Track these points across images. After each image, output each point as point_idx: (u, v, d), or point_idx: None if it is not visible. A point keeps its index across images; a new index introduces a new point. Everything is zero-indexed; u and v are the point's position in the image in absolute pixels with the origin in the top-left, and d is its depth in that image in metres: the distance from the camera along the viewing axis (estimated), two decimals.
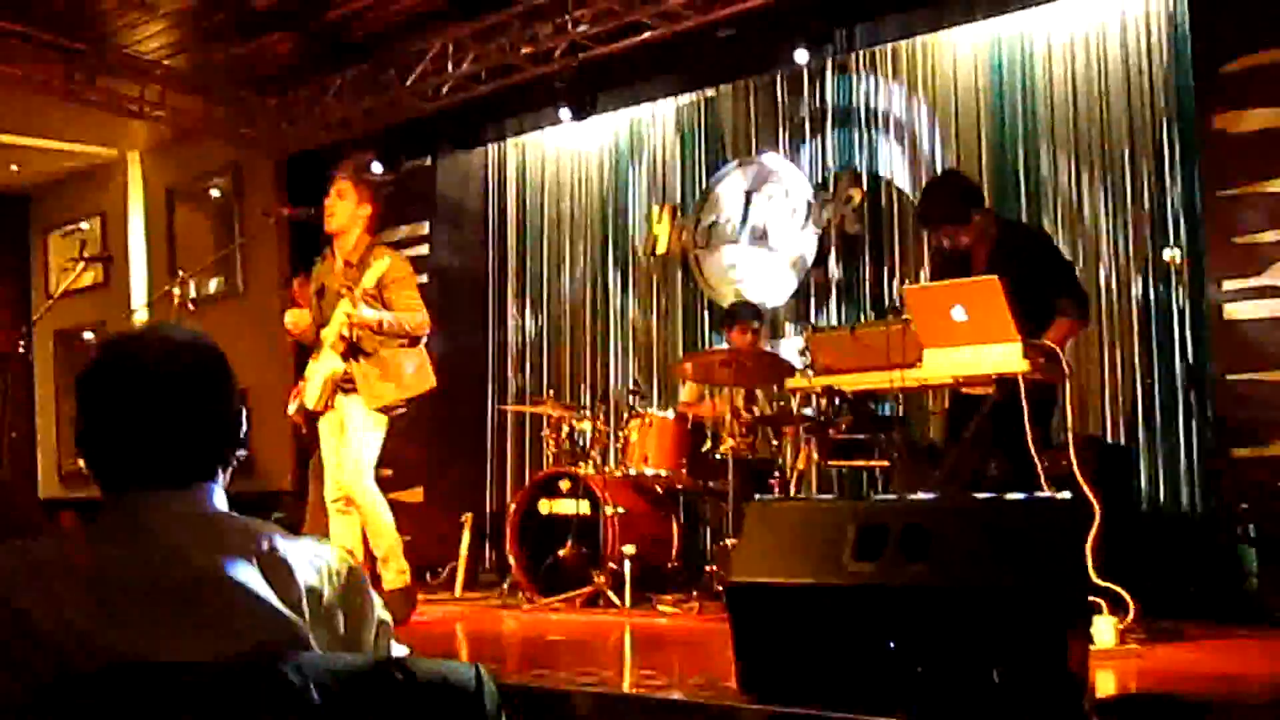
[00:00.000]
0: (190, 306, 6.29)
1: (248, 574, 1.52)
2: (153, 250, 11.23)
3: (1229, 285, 6.04)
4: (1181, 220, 6.59)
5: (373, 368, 5.54)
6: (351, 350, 5.52)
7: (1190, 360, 6.47)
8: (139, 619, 1.46)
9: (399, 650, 1.77)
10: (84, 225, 11.76)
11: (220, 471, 1.69)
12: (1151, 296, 6.67)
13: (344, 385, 5.55)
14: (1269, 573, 5.49)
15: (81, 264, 6.72)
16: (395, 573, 5.60)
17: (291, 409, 5.79)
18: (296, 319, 5.77)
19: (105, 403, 1.64)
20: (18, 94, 8.82)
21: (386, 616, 1.75)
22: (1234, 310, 6.03)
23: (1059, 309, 5.04)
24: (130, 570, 1.50)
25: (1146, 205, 6.73)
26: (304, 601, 1.55)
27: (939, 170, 7.40)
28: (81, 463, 1.65)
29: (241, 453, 1.71)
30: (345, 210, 5.66)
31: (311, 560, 1.60)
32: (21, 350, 8.97)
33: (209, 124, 9.73)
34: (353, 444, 5.53)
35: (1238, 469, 5.95)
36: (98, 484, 1.63)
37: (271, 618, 1.51)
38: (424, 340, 5.72)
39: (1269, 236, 5.92)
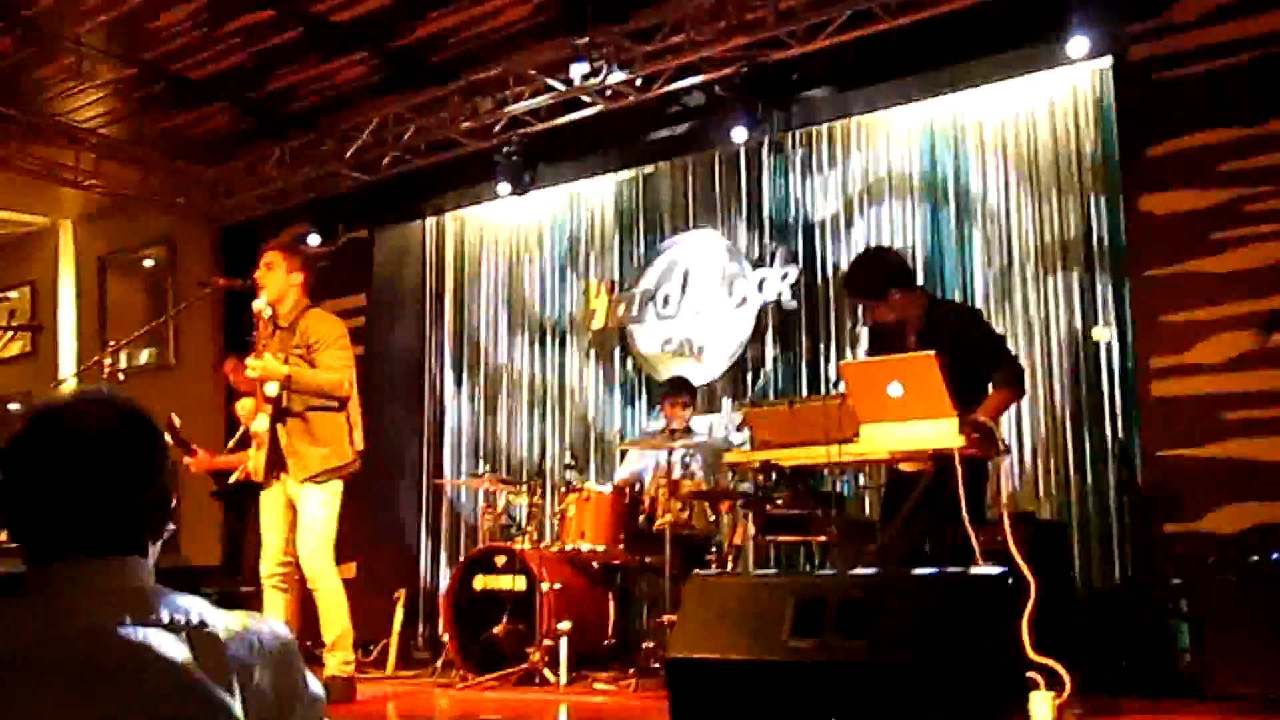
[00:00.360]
0: (120, 377, 6.19)
1: (175, 648, 1.48)
2: (83, 320, 11.07)
3: (1157, 363, 6.15)
4: (1111, 299, 6.71)
5: (302, 430, 5.48)
6: (279, 412, 5.46)
7: (1120, 437, 6.56)
8: (53, 701, 1.41)
9: None
10: (12, 294, 11.58)
11: (150, 543, 1.65)
12: (1082, 374, 6.77)
13: (281, 457, 5.48)
14: (1200, 647, 5.52)
15: (9, 333, 6.59)
16: (340, 662, 5.52)
17: (234, 476, 5.71)
18: (245, 409, 5.70)
19: (31, 468, 1.59)
20: None
21: (320, 694, 1.71)
22: (1162, 387, 6.13)
23: (994, 383, 5.07)
24: (45, 648, 1.44)
25: (1077, 285, 6.85)
26: (234, 678, 1.51)
27: (859, 252, 7.47)
28: (3, 535, 1.60)
29: (170, 526, 1.67)
30: (276, 281, 5.64)
31: (243, 635, 1.56)
32: None
33: (144, 193, 9.65)
34: (307, 529, 5.46)
35: (1168, 544, 6.01)
36: (22, 556, 1.59)
37: (201, 695, 1.47)
38: (353, 403, 5.65)
39: (1195, 315, 6.04)
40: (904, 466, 5.03)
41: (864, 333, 7.14)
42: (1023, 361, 6.81)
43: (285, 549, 5.53)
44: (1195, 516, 5.93)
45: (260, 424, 5.49)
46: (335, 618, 5.52)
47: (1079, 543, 6.62)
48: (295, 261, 5.71)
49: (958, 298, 7.10)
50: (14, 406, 10.73)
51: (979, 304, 7.05)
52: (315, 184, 9.08)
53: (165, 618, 1.52)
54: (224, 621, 1.56)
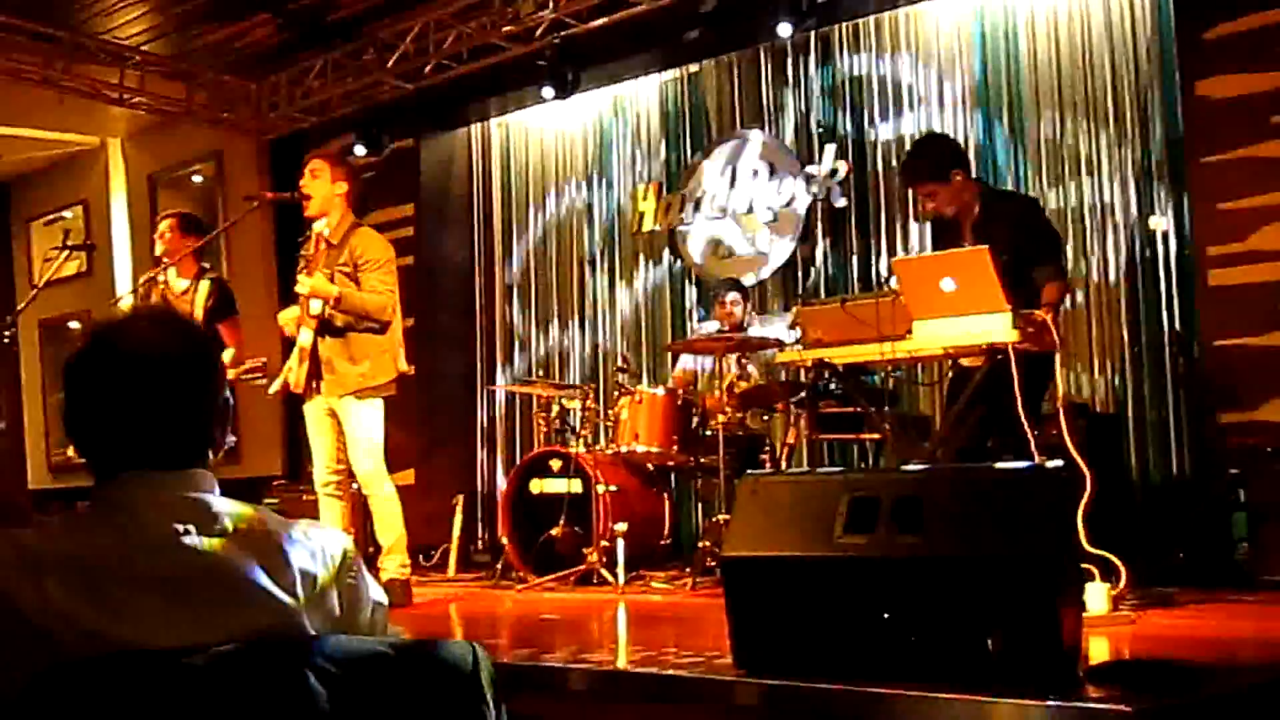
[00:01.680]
0: (175, 293, 6.26)
1: (242, 558, 1.52)
2: (136, 238, 11.18)
3: (1214, 251, 6.05)
4: (1168, 187, 6.60)
5: (341, 348, 5.53)
6: (323, 327, 5.51)
7: (1177, 327, 6.49)
8: (130, 605, 1.46)
9: (395, 632, 1.76)
10: (66, 214, 11.67)
11: (211, 455, 1.68)
12: (1138, 264, 6.68)
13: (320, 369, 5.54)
14: (1259, 537, 5.51)
15: (65, 253, 6.67)
16: (397, 565, 5.61)
17: (273, 388, 5.78)
18: (287, 320, 5.74)
19: (92, 386, 1.63)
20: None
21: (382, 598, 1.75)
22: (1220, 276, 6.04)
23: (1040, 276, 4.98)
24: (122, 556, 1.49)
25: (1133, 173, 6.73)
26: (298, 585, 1.55)
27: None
28: (71, 450, 1.64)
29: (231, 438, 1.71)
30: (321, 190, 5.64)
31: (306, 544, 1.60)
32: (6, 341, 8.93)
33: (190, 110, 9.67)
34: (356, 443, 5.53)
35: (1226, 434, 5.97)
36: (89, 470, 1.63)
37: (266, 602, 1.51)
38: (394, 326, 5.67)
39: (1253, 202, 5.93)
40: (965, 361, 5.01)
41: (915, 230, 7.10)
42: (1079, 251, 6.78)
43: (335, 458, 5.61)
44: (1253, 406, 5.88)
45: (304, 338, 5.54)
46: (390, 523, 5.61)
47: (1135, 434, 6.59)
48: (340, 171, 5.71)
49: (1011, 187, 7.00)
50: (74, 325, 10.91)
51: (1033, 193, 6.95)
52: (359, 94, 9.05)
53: (229, 527, 1.56)
54: (286, 530, 1.60)
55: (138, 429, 1.61)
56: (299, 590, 1.54)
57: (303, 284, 5.54)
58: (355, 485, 5.68)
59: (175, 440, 1.62)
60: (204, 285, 6.19)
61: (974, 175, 5.43)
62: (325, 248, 5.62)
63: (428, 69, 8.63)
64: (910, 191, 5.30)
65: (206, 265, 6.48)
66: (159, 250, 6.38)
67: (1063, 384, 4.89)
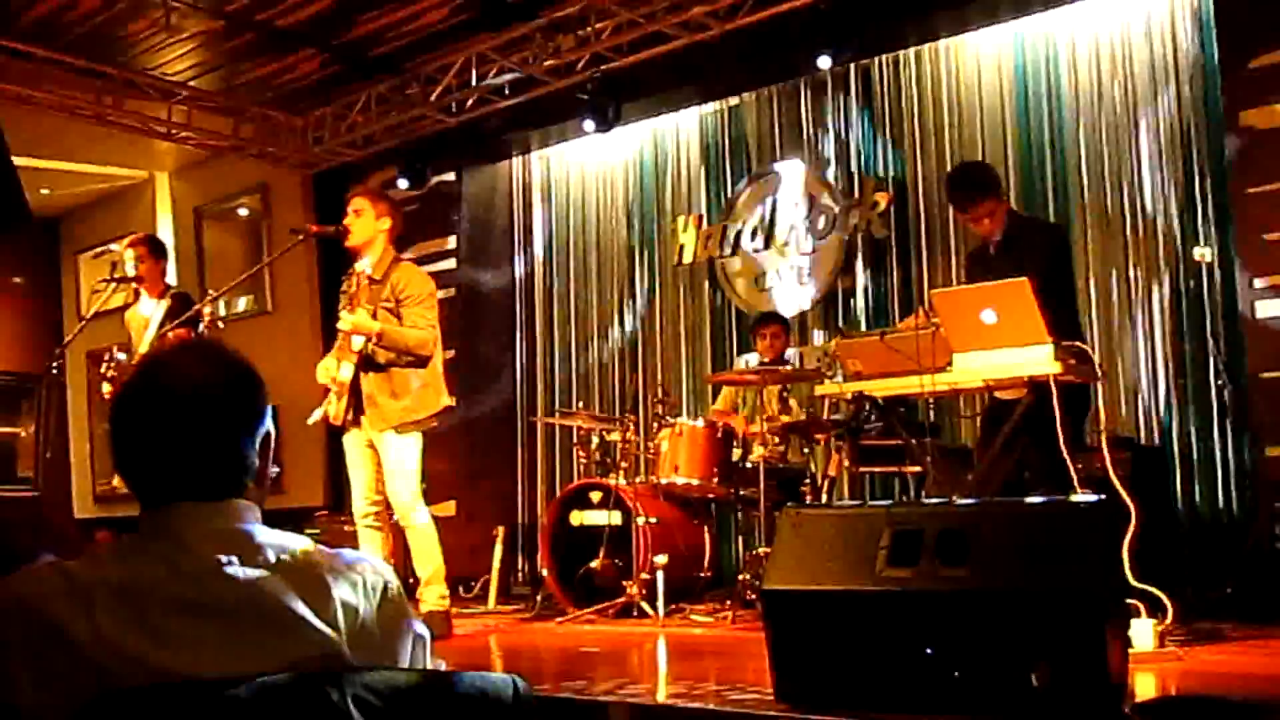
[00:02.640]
0: (220, 325, 6.34)
1: (283, 589, 1.53)
2: (182, 270, 11.29)
3: (1260, 283, 6.00)
4: (1212, 218, 6.55)
5: (383, 383, 5.56)
6: (365, 362, 5.56)
7: (1223, 359, 6.42)
8: (175, 634, 1.47)
9: (436, 665, 1.77)
10: (114, 247, 11.82)
11: (255, 487, 1.70)
12: (1183, 296, 6.63)
13: (361, 402, 5.58)
14: None
15: (112, 285, 6.78)
16: (437, 597, 5.62)
17: (313, 418, 5.81)
18: (325, 372, 5.74)
19: (138, 417, 1.66)
20: (48, 118, 8.90)
21: (424, 631, 1.75)
22: (1266, 308, 5.98)
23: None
24: (168, 585, 1.51)
25: (1176, 204, 6.69)
26: (340, 616, 1.56)
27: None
28: (117, 480, 1.66)
29: (274, 469, 1.73)
30: (364, 227, 5.69)
31: (347, 575, 1.61)
32: (54, 372, 9.04)
33: (236, 143, 9.80)
34: (394, 475, 5.56)
35: (1272, 467, 5.89)
36: (136, 500, 1.65)
37: (307, 633, 1.52)
38: (435, 360, 5.70)
39: None
40: (1002, 394, 4.98)
41: (954, 263, 7.07)
42: (1122, 283, 6.73)
43: (374, 488, 5.64)
44: None
45: (345, 373, 5.58)
46: (428, 554, 5.63)
47: (1181, 467, 6.52)
48: (382, 206, 5.76)
49: (1053, 220, 6.97)
50: (121, 356, 11.00)
51: (1075, 226, 6.93)
52: (402, 128, 9.14)
53: (271, 558, 1.57)
54: (329, 561, 1.61)
55: (181, 460, 1.63)
56: (340, 622, 1.55)
57: (345, 320, 5.58)
58: (394, 517, 5.70)
59: (219, 471, 1.64)
60: (165, 302, 6.43)
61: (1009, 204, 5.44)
62: (368, 283, 5.67)
63: (470, 103, 8.71)
64: (964, 214, 5.28)
65: (171, 284, 6.78)
66: (131, 275, 6.64)
67: (1106, 416, 4.84)
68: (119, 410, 1.66)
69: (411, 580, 5.79)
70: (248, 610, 1.51)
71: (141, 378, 1.68)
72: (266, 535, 1.63)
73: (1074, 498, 4.14)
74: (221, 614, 1.50)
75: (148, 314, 6.49)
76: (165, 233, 11.41)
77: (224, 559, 1.55)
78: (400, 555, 6.14)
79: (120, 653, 1.44)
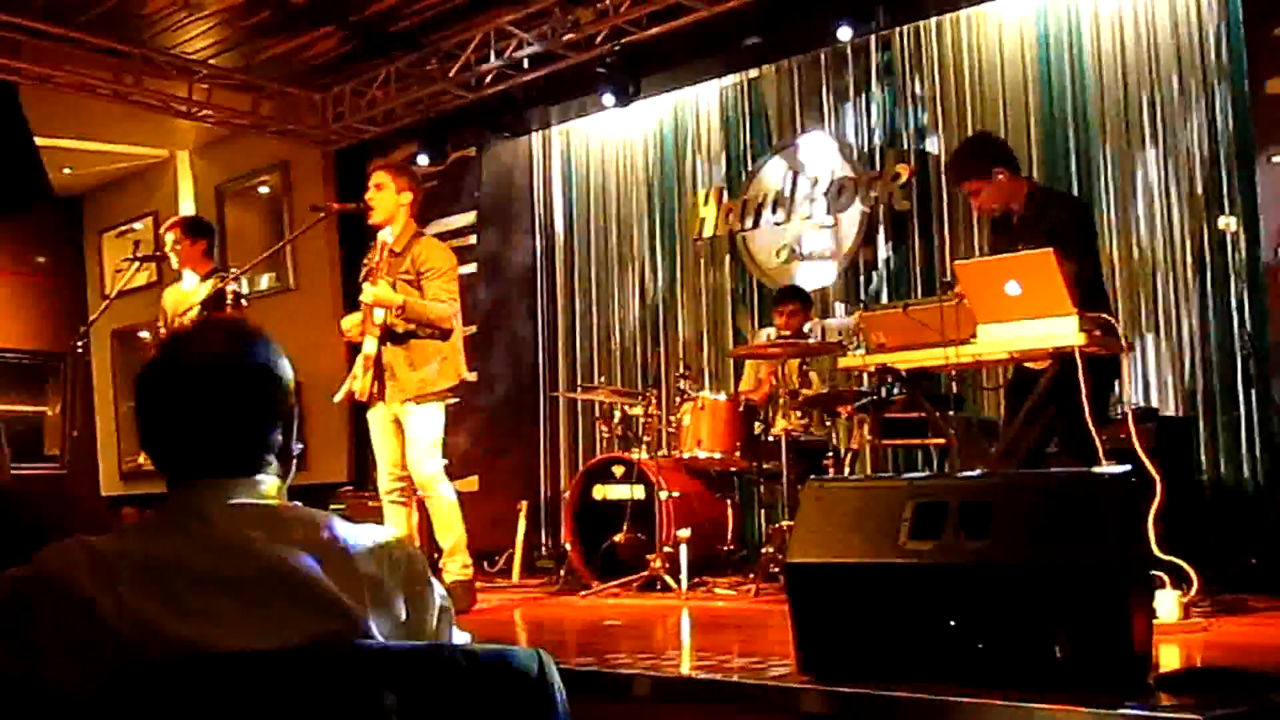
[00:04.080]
0: (243, 303, 6.36)
1: (308, 563, 1.54)
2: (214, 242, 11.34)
3: None
4: (1236, 187, 6.49)
5: (402, 355, 5.59)
6: (386, 334, 5.58)
7: (1248, 329, 6.37)
8: (201, 608, 1.48)
9: (460, 637, 1.78)
10: (136, 225, 11.90)
11: (279, 462, 1.71)
12: (1207, 265, 6.58)
13: (384, 375, 5.61)
14: None
15: (135, 264, 6.82)
16: (459, 567, 5.66)
17: (338, 396, 5.84)
18: (350, 325, 5.81)
19: (161, 394, 1.68)
20: (68, 98, 8.94)
21: (448, 603, 1.76)
22: None
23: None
24: (192, 560, 1.52)
25: (1199, 173, 6.63)
26: (365, 590, 1.57)
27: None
28: (143, 458, 1.68)
29: (299, 446, 1.74)
30: (385, 201, 5.71)
31: (372, 548, 1.62)
32: (79, 350, 9.10)
33: (256, 121, 9.82)
34: (414, 445, 5.58)
35: None
36: (162, 476, 1.66)
37: (333, 607, 1.53)
38: (455, 333, 5.73)
39: None
40: (1028, 365, 4.96)
41: (977, 233, 7.03)
42: (1147, 253, 6.69)
43: (399, 463, 5.67)
44: None
45: (369, 346, 5.61)
46: (450, 525, 5.65)
47: (1206, 438, 6.48)
48: (403, 181, 5.78)
49: (1076, 191, 6.93)
50: (144, 335, 11.07)
51: (1099, 197, 6.88)
52: (422, 104, 9.14)
53: (297, 534, 1.58)
54: (353, 536, 1.62)
55: (205, 436, 1.64)
56: (365, 595, 1.56)
57: (367, 293, 5.61)
58: (417, 489, 5.73)
59: (242, 447, 1.66)
60: (210, 282, 6.38)
61: (1021, 171, 5.39)
62: (389, 255, 5.69)
63: (489, 77, 8.69)
64: (959, 188, 5.29)
65: (216, 265, 6.73)
66: (174, 263, 6.62)
67: (1130, 387, 4.81)
68: (143, 386, 1.68)
69: (436, 554, 5.82)
70: (272, 584, 1.52)
71: (164, 354, 1.69)
72: (291, 510, 1.65)
73: (1098, 469, 4.12)
74: (246, 588, 1.51)
75: (189, 290, 6.51)
76: (187, 210, 11.45)
77: (250, 533, 1.56)
78: (425, 528, 6.17)
79: (145, 626, 1.46)
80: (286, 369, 1.73)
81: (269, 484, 1.67)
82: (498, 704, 1.50)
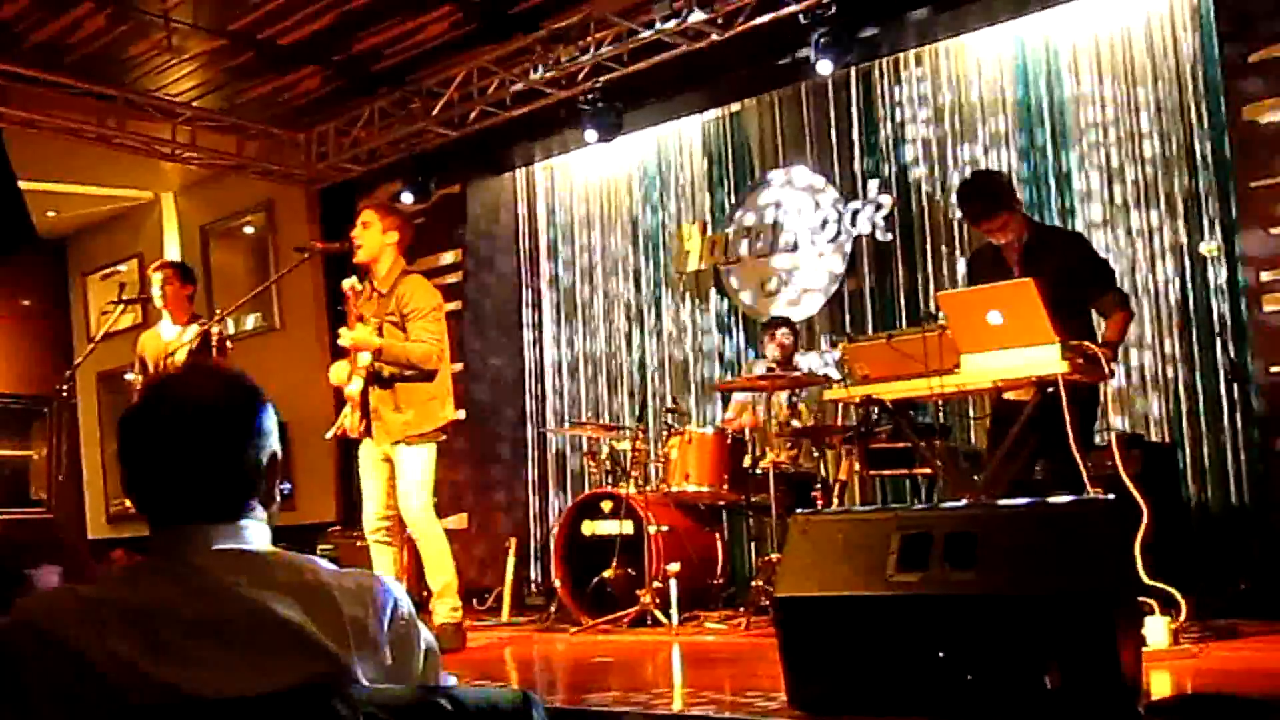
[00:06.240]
0: (228, 344, 6.35)
1: (292, 608, 1.54)
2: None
3: (1266, 276, 5.98)
4: (1216, 213, 6.54)
5: (388, 398, 5.56)
6: (373, 377, 5.55)
7: (1231, 354, 6.41)
8: (187, 653, 1.49)
9: (447, 680, 1.77)
10: (121, 268, 11.88)
11: (263, 507, 1.71)
12: (1189, 291, 6.62)
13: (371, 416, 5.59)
14: None
15: (120, 306, 6.80)
16: (448, 610, 5.61)
17: (330, 432, 5.82)
18: (337, 375, 5.75)
19: (143, 438, 1.68)
20: (53, 141, 8.94)
21: (435, 645, 1.76)
22: (1273, 301, 5.96)
23: (1105, 307, 5.06)
24: (177, 605, 1.53)
25: (1180, 200, 6.68)
26: (349, 633, 1.56)
27: (968, 174, 7.39)
28: (129, 501, 1.68)
29: (286, 486, 1.74)
30: (371, 240, 5.70)
31: (356, 592, 1.62)
32: (65, 393, 9.06)
33: (241, 161, 9.83)
34: (404, 484, 5.55)
35: None
36: (146, 521, 1.66)
37: (317, 650, 1.52)
38: (443, 374, 5.69)
39: None
40: (1010, 395, 4.98)
41: (961, 263, 7.06)
42: (1129, 280, 6.73)
43: (386, 503, 5.63)
44: None
45: (354, 387, 5.58)
46: (440, 566, 5.61)
47: (1192, 464, 6.50)
48: (391, 220, 5.77)
49: (1058, 220, 6.98)
50: (129, 377, 11.05)
51: (1080, 225, 6.93)
52: (406, 142, 9.16)
53: (280, 578, 1.58)
54: (337, 580, 1.62)
55: (187, 481, 1.64)
56: (350, 639, 1.56)
57: (345, 337, 5.57)
58: (407, 531, 5.70)
59: (225, 492, 1.66)
60: (193, 328, 6.35)
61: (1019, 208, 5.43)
62: (374, 294, 5.68)
63: (472, 115, 8.72)
64: (978, 226, 5.28)
65: (197, 312, 6.71)
66: (158, 303, 6.63)
67: (1115, 414, 4.83)
68: (126, 431, 1.68)
69: (425, 594, 5.79)
70: (258, 630, 1.52)
71: (146, 399, 1.70)
72: (275, 555, 1.65)
73: (1083, 497, 4.14)
74: (232, 634, 1.51)
75: (169, 338, 6.48)
76: (173, 252, 11.46)
77: (234, 579, 1.56)
78: (413, 569, 6.14)
79: (132, 673, 1.46)
80: (270, 415, 1.73)
81: (253, 529, 1.67)
82: None
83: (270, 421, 1.72)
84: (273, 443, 1.72)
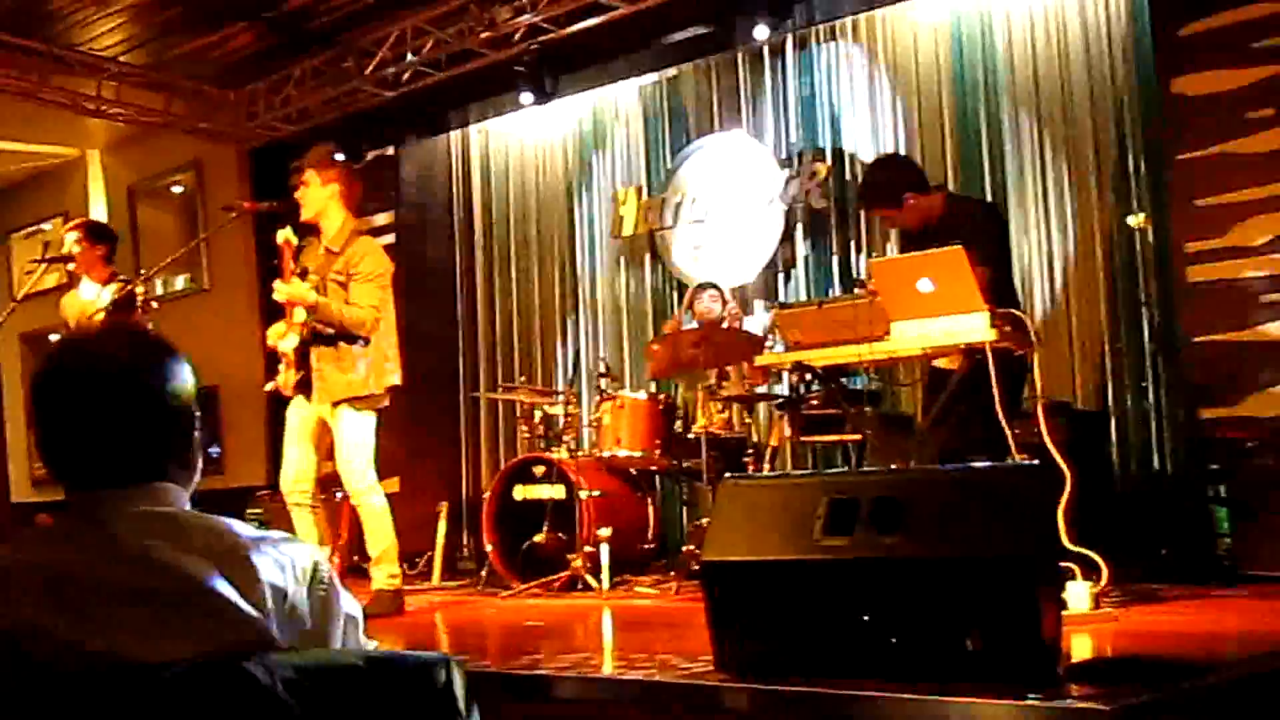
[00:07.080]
0: (155, 306, 6.24)
1: (209, 572, 1.52)
2: (117, 249, 11.13)
3: (1192, 247, 6.07)
4: (1145, 185, 6.62)
5: (331, 356, 5.48)
6: (313, 334, 5.47)
7: (1158, 323, 6.51)
8: (100, 618, 1.46)
9: (368, 644, 1.76)
10: (46, 226, 11.64)
11: (182, 469, 1.68)
12: (1117, 262, 6.71)
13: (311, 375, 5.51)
14: (1241, 532, 5.53)
15: (44, 265, 6.66)
16: (386, 576, 5.58)
17: (269, 385, 5.74)
18: (276, 336, 5.66)
19: (53, 401, 1.64)
20: None
21: (355, 611, 1.74)
22: (1199, 272, 6.06)
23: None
24: (92, 570, 1.50)
25: (1110, 172, 6.76)
26: (268, 599, 1.55)
27: (902, 143, 7.44)
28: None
29: (214, 449, 1.71)
30: (313, 196, 5.62)
31: (275, 557, 1.60)
32: None
33: (169, 119, 9.65)
34: (344, 448, 5.49)
35: (1207, 429, 5.98)
36: (61, 485, 1.63)
37: (235, 616, 1.51)
38: (387, 340, 5.63)
39: (1231, 197, 5.95)
40: (940, 362, 5.03)
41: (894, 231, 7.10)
42: (1059, 250, 6.81)
43: (309, 464, 5.55)
44: (1234, 402, 5.89)
45: (288, 343, 5.50)
46: (380, 532, 5.58)
47: (1117, 431, 6.61)
48: (329, 173, 5.67)
49: (990, 190, 7.04)
50: (54, 338, 10.84)
51: (1011, 196, 7.00)
52: (338, 102, 9.05)
53: (197, 542, 1.56)
54: (256, 543, 1.60)
55: (99, 444, 1.62)
56: (268, 603, 1.54)
57: (279, 290, 5.49)
58: (339, 494, 5.65)
59: (141, 455, 1.63)
60: (112, 287, 6.18)
61: (932, 187, 5.46)
62: (325, 254, 5.59)
63: (406, 76, 8.63)
64: (884, 221, 5.34)
65: (116, 270, 6.49)
66: (72, 266, 6.44)
67: (1041, 382, 4.89)
68: (37, 394, 1.64)
69: (360, 559, 5.75)
70: (175, 594, 1.50)
71: (58, 361, 1.65)
72: (192, 519, 1.62)
73: (1007, 463, 4.19)
74: (149, 598, 1.49)
75: (89, 298, 6.34)
76: (99, 211, 11.24)
77: (150, 543, 1.54)
78: (353, 532, 6.09)
79: (44, 637, 1.44)
80: (187, 375, 1.69)
81: (170, 492, 1.64)
82: (403, 711, 1.49)
83: (186, 381, 1.69)
84: (189, 402, 1.69)
